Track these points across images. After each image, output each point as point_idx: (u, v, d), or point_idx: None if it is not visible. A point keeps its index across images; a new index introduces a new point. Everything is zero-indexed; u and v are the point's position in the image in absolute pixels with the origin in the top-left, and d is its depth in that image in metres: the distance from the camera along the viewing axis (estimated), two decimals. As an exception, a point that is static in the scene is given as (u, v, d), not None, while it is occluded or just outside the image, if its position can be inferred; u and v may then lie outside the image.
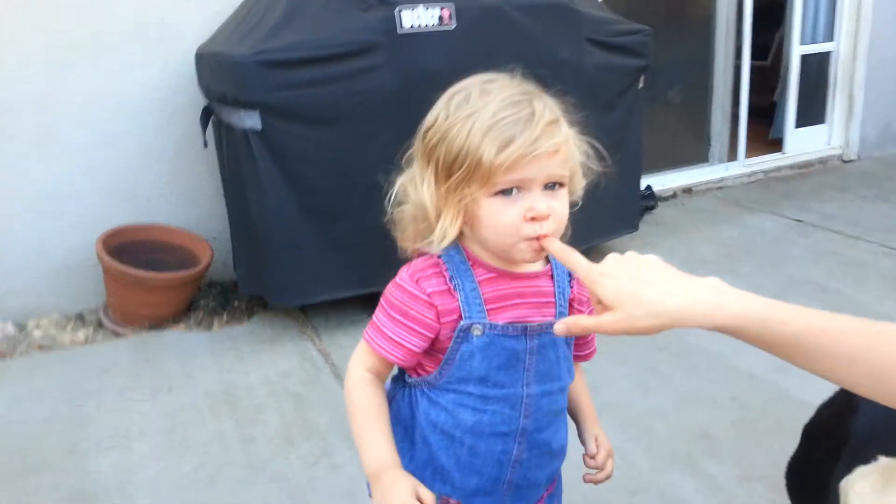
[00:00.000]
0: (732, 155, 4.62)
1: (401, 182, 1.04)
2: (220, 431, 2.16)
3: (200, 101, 2.85)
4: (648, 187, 4.07)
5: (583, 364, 1.22)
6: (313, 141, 2.54)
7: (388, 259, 3.05)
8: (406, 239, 1.07)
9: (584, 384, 1.22)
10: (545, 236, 0.96)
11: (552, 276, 1.07)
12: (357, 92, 2.50)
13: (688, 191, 4.42)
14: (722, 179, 4.53)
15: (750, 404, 2.20)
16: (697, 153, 4.64)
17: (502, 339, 1.03)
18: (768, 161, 4.74)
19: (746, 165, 4.65)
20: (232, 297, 3.03)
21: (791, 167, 4.77)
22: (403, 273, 1.04)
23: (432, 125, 0.98)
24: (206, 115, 2.78)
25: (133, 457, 2.06)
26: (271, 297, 2.73)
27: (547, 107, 0.95)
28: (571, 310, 1.10)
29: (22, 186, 2.89)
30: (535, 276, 1.06)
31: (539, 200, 0.94)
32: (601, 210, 3.13)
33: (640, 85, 3.20)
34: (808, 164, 4.82)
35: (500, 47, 2.65)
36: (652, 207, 4.06)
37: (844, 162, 4.93)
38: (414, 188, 1.00)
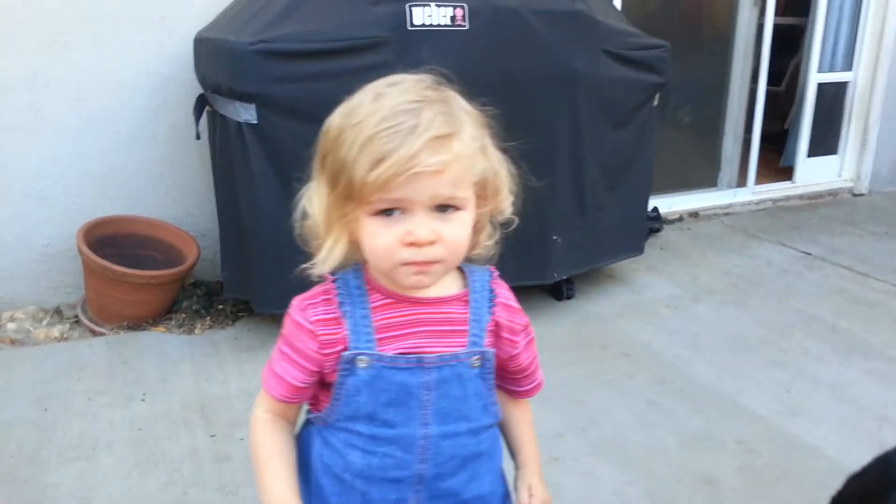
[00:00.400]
0: (742, 181, 4.51)
1: (305, 192, 0.94)
2: (193, 447, 2.02)
3: (196, 90, 2.71)
4: (655, 209, 3.96)
5: (529, 399, 1.11)
6: (311, 139, 2.40)
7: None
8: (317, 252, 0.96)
9: (527, 422, 1.12)
10: (427, 263, 0.87)
11: (468, 301, 0.97)
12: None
13: (694, 215, 4.31)
14: (730, 206, 4.42)
15: (757, 449, 2.08)
16: (706, 177, 4.53)
17: (390, 372, 0.93)
18: (778, 190, 4.64)
19: (756, 193, 4.54)
20: (216, 300, 2.89)
21: (801, 197, 4.66)
22: (295, 301, 0.97)
23: (327, 130, 0.89)
24: (201, 104, 2.65)
25: (97, 470, 1.92)
26: (257, 303, 2.59)
27: (440, 117, 0.84)
28: (493, 339, 0.99)
29: (5, 167, 2.75)
30: (441, 301, 0.96)
31: (419, 224, 0.85)
32: (605, 231, 3.01)
33: (655, 102, 3.08)
34: (818, 196, 4.71)
35: (513, 52, 2.53)
36: (657, 230, 3.95)
37: (855, 195, 4.83)
38: (310, 199, 0.92)
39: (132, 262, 2.65)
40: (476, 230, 0.94)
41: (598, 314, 2.97)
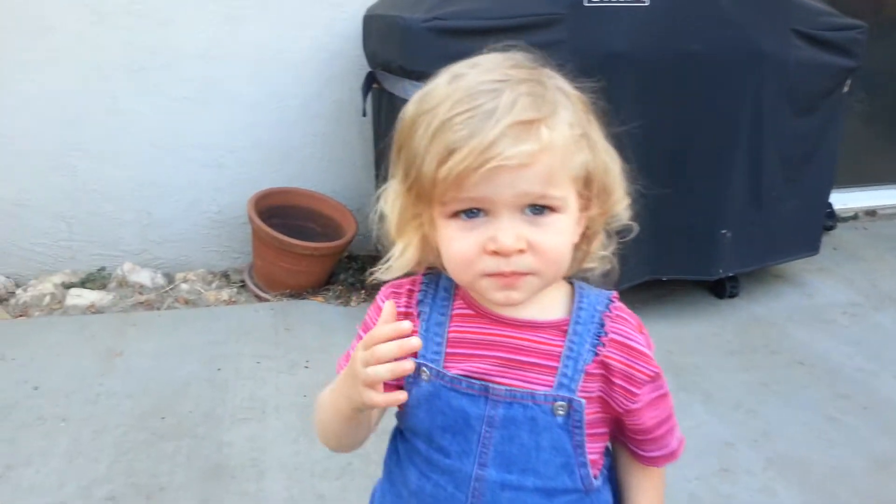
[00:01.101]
0: (929, 178, 4.07)
1: (384, 188, 0.81)
2: (354, 418, 2.06)
3: (361, 67, 2.75)
4: (829, 205, 3.64)
5: (658, 468, 0.89)
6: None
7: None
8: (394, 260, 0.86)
9: (654, 498, 0.90)
10: (516, 275, 0.73)
11: (567, 331, 0.80)
12: (532, 70, 2.30)
13: (871, 213, 3.93)
14: (913, 204, 4.00)
15: (960, 480, 1.86)
16: (887, 171, 4.12)
17: (449, 394, 0.80)
18: (971, 188, 4.14)
19: (945, 191, 4.08)
20: (370, 274, 2.94)
21: None
22: (385, 285, 0.88)
23: (402, 119, 0.76)
24: (369, 82, 2.67)
25: (266, 433, 2.00)
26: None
27: (527, 98, 0.69)
28: (602, 385, 0.80)
29: (183, 137, 2.91)
30: (532, 325, 0.80)
31: (504, 229, 0.71)
32: (779, 227, 2.79)
33: (845, 89, 2.80)
34: None
35: (695, 31, 2.36)
36: (830, 228, 3.63)
37: None
38: (386, 200, 0.81)
39: (294, 233, 2.74)
40: (587, 238, 0.81)
41: (765, 317, 2.76)
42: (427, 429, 0.82)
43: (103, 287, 2.86)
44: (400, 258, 0.81)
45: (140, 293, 2.82)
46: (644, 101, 2.36)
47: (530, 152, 0.68)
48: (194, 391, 2.19)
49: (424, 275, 0.85)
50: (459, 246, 0.73)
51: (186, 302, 2.78)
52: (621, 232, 0.85)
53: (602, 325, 0.81)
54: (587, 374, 0.79)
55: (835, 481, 1.85)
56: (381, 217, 0.82)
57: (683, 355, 2.45)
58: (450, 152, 0.68)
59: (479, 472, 0.80)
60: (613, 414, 0.82)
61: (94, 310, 2.71)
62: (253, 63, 2.88)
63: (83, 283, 2.86)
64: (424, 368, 0.81)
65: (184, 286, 2.86)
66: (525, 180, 0.69)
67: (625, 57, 2.29)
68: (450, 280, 0.83)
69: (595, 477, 0.83)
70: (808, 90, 2.66)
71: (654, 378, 0.82)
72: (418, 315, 0.83)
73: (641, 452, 0.87)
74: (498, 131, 0.67)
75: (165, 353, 2.40)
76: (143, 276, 2.89)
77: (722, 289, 2.86)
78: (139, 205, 2.94)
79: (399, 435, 0.89)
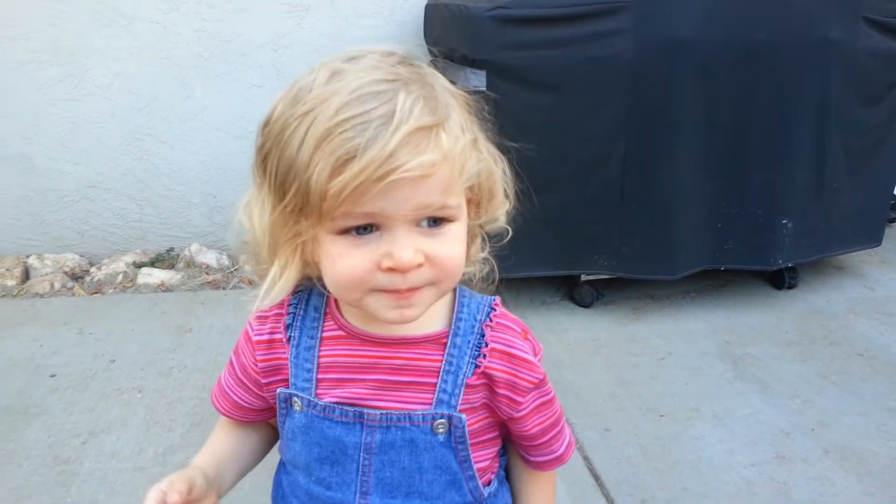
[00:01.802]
0: None
1: (245, 199, 0.73)
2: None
3: (422, 56, 2.79)
4: (893, 197, 3.55)
5: (548, 473, 0.86)
6: (532, 106, 2.40)
7: (590, 242, 2.89)
8: (262, 277, 0.76)
9: (544, 499, 0.88)
10: (412, 290, 0.66)
11: (447, 344, 0.75)
12: (591, 58, 2.31)
13: (937, 205, 3.82)
14: (983, 196, 3.87)
15: None
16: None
17: (323, 424, 0.75)
18: None
19: None
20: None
21: None
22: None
23: (268, 121, 0.68)
24: (429, 70, 2.72)
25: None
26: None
27: (421, 102, 0.63)
28: (486, 395, 0.76)
29: (249, 123, 3.01)
30: (407, 342, 0.74)
31: (402, 245, 0.64)
32: (841, 218, 2.75)
33: (916, 78, 2.74)
34: None
35: (763, 19, 2.35)
36: (893, 220, 3.55)
37: None
38: (249, 212, 0.72)
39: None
40: (469, 242, 0.74)
41: (825, 308, 2.74)
42: (305, 461, 0.78)
43: (172, 267, 2.99)
44: (279, 283, 0.71)
45: (207, 273, 2.94)
46: (708, 90, 2.36)
47: (431, 162, 0.62)
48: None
49: (293, 294, 0.77)
50: (348, 263, 0.65)
51: (250, 282, 2.89)
52: (495, 236, 0.79)
53: (483, 336, 0.76)
54: (468, 386, 0.75)
55: (893, 472, 1.85)
56: (241, 230, 0.73)
57: (740, 346, 2.45)
58: (342, 163, 0.60)
59: (362, 501, 0.76)
60: (500, 420, 0.80)
61: (164, 288, 2.84)
62: (316, 51, 2.96)
63: (153, 263, 3.00)
64: (296, 399, 0.76)
65: (247, 267, 2.97)
66: (424, 192, 0.63)
67: (688, 45, 2.29)
68: (320, 299, 0.77)
69: (488, 483, 0.81)
70: (877, 80, 2.62)
71: (539, 385, 0.79)
72: (287, 340, 0.77)
73: (528, 457, 0.85)
74: (398, 140, 0.60)
75: (233, 330, 2.51)
76: (209, 257, 3.01)
77: (781, 280, 2.83)
78: (206, 188, 3.05)
79: (282, 467, 0.85)
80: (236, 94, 2.95)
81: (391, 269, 0.65)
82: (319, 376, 0.75)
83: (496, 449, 0.83)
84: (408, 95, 0.62)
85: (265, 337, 0.78)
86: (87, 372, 2.24)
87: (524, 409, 0.78)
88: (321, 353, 0.76)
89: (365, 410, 0.74)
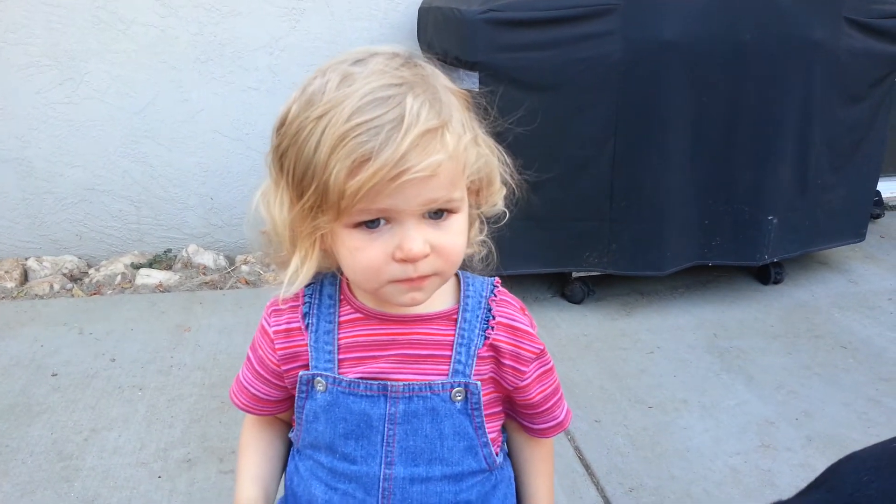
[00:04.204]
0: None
1: (261, 191, 0.79)
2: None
3: (422, 56, 2.84)
4: (877, 193, 3.62)
5: (549, 439, 0.93)
6: (524, 107, 2.45)
7: (581, 240, 2.94)
8: (279, 264, 0.82)
9: (544, 468, 0.94)
10: (421, 279, 0.73)
11: (456, 320, 0.82)
12: (581, 59, 2.37)
13: (921, 201, 3.91)
14: (965, 192, 3.95)
15: None
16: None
17: (349, 399, 0.80)
18: None
19: None
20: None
21: None
22: (270, 301, 0.85)
23: (283, 122, 0.73)
24: (422, 72, 2.77)
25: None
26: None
27: (427, 105, 0.68)
28: (493, 367, 0.83)
29: (245, 125, 3.05)
30: (422, 319, 0.81)
31: (411, 237, 0.70)
32: (825, 214, 2.82)
33: (896, 77, 2.81)
34: None
35: (748, 21, 2.40)
36: (877, 216, 3.63)
37: None
38: (267, 205, 0.77)
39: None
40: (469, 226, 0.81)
41: (809, 302, 2.80)
42: (329, 440, 0.82)
43: (169, 268, 3.03)
44: (302, 273, 0.77)
45: (204, 273, 2.98)
46: (694, 90, 2.42)
47: (439, 163, 0.68)
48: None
49: (307, 286, 0.82)
50: (366, 255, 0.72)
51: (247, 283, 2.93)
52: (492, 218, 0.85)
53: (489, 310, 0.83)
54: (479, 357, 0.81)
55: (875, 460, 1.91)
56: (258, 220, 0.79)
57: (727, 339, 2.51)
58: (358, 165, 0.66)
59: (387, 472, 0.81)
60: (504, 392, 0.86)
61: (162, 289, 2.88)
62: (311, 54, 3.00)
63: (150, 264, 3.04)
64: (320, 378, 0.81)
65: (244, 268, 3.02)
66: (431, 188, 0.69)
67: (676, 46, 2.34)
68: (332, 287, 0.83)
69: (496, 454, 0.86)
70: (858, 78, 2.68)
71: (540, 354, 0.85)
72: (305, 328, 0.82)
73: (531, 425, 0.90)
74: (408, 143, 0.66)
75: (231, 328, 2.55)
76: (207, 258, 3.05)
77: (767, 275, 2.90)
78: (203, 190, 3.10)
79: (297, 455, 0.89)
80: (233, 96, 2.99)
81: (402, 260, 0.71)
82: (340, 356, 0.81)
83: (500, 423, 0.89)
84: (415, 99, 0.68)
85: (283, 327, 0.83)
86: (88, 371, 2.28)
87: (528, 377, 0.85)
88: (340, 336, 0.81)
89: (388, 383, 0.80)
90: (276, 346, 0.83)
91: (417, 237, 0.71)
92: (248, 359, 0.88)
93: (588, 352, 2.43)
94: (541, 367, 0.86)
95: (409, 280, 0.73)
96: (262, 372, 0.86)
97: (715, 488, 1.80)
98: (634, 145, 2.45)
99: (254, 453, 0.92)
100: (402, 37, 3.00)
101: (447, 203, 0.72)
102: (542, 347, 0.85)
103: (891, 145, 3.56)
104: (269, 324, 0.84)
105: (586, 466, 1.87)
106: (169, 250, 3.12)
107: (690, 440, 1.98)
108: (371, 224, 0.71)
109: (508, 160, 0.82)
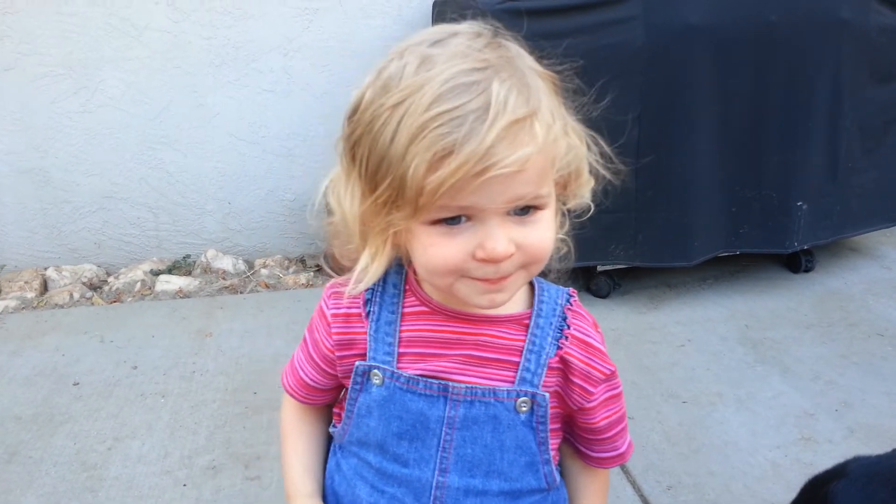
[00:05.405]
0: None
1: (330, 179, 0.73)
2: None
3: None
4: (907, 176, 3.54)
5: (606, 470, 0.85)
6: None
7: (606, 232, 2.88)
8: (342, 258, 0.78)
9: (598, 500, 0.86)
10: (503, 279, 0.67)
11: (528, 325, 0.75)
12: (603, 46, 2.31)
13: (953, 184, 3.80)
14: None
15: None
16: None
17: (406, 396, 0.74)
18: None
19: None
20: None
21: None
22: (330, 282, 0.80)
23: (356, 109, 0.67)
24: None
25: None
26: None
27: (515, 91, 0.61)
28: (560, 381, 0.76)
29: (261, 128, 3.03)
30: (491, 320, 0.75)
31: (495, 236, 0.64)
32: (857, 199, 2.74)
33: (928, 54, 2.72)
34: None
35: (771, 1, 2.33)
36: (909, 199, 3.53)
37: None
38: (337, 195, 0.72)
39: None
40: None
41: (842, 290, 2.72)
42: (380, 438, 0.76)
43: (188, 273, 3.01)
44: (371, 270, 0.73)
45: (224, 278, 2.96)
46: (720, 74, 2.36)
47: (528, 156, 0.61)
48: (282, 366, 2.29)
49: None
50: (442, 253, 0.66)
51: (267, 286, 2.90)
52: (575, 211, 0.78)
53: (564, 319, 0.77)
54: (549, 368, 0.75)
55: (922, 450, 1.84)
56: (330, 211, 0.74)
57: (759, 330, 2.44)
58: (440, 159, 0.60)
59: (441, 480, 0.75)
60: (567, 411, 0.79)
61: (182, 294, 2.86)
62: (324, 54, 2.97)
63: (170, 270, 3.02)
64: (377, 371, 0.75)
65: (263, 271, 2.99)
66: (519, 184, 0.63)
67: (700, 30, 2.28)
68: (398, 275, 0.77)
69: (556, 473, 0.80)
70: (889, 56, 2.60)
71: (610, 377, 0.79)
72: (366, 315, 0.76)
73: (590, 452, 0.83)
74: (494, 134, 0.60)
75: (252, 333, 2.53)
76: (226, 263, 3.03)
77: (797, 263, 2.82)
78: (221, 194, 3.07)
79: (339, 451, 0.83)
80: (248, 99, 2.97)
81: (484, 260, 0.65)
82: (401, 350, 0.75)
83: (559, 441, 0.83)
84: (501, 85, 0.61)
85: (342, 311, 0.78)
86: (110, 379, 2.27)
87: (595, 399, 0.78)
88: (402, 328, 0.76)
89: (450, 384, 0.74)
90: (333, 331, 0.78)
91: (501, 236, 0.64)
92: (304, 340, 0.84)
93: (617, 346, 2.37)
94: (609, 391, 0.80)
95: (488, 280, 0.67)
96: (314, 356, 0.82)
97: (756, 483, 1.73)
98: (659, 133, 2.39)
99: (302, 439, 0.87)
100: (414, 33, 2.96)
101: (535, 200, 0.66)
102: (613, 369, 0.79)
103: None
104: (327, 306, 0.79)
105: (621, 465, 1.81)
106: (188, 256, 3.11)
107: (727, 434, 1.91)
108: (451, 221, 0.65)
109: (605, 146, 0.74)
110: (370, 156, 0.64)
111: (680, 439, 1.89)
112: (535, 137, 0.62)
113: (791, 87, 2.43)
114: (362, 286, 0.74)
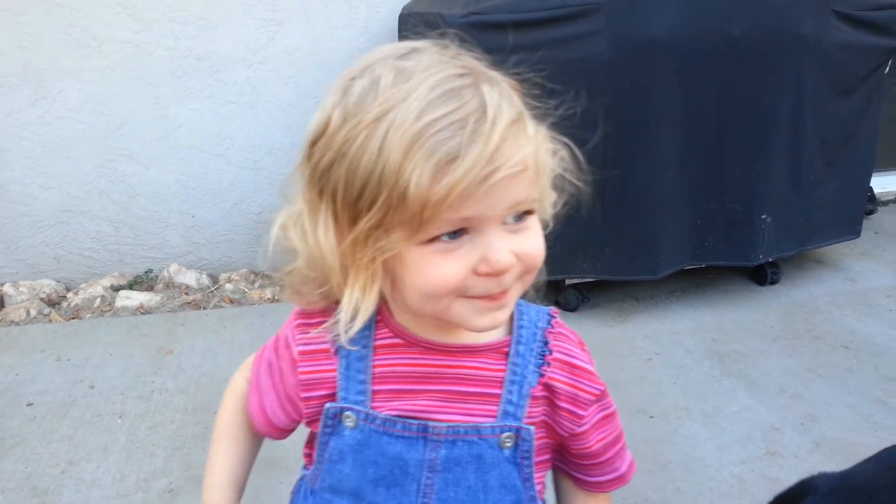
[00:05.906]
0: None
1: (280, 223, 0.67)
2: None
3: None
4: (869, 188, 3.59)
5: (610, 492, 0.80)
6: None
7: (573, 246, 2.86)
8: (310, 305, 0.71)
9: None
10: (503, 293, 0.63)
11: (508, 353, 0.70)
12: (567, 60, 2.31)
13: (914, 196, 3.87)
14: (957, 186, 3.92)
15: None
16: (929, 153, 4.04)
17: (382, 440, 0.68)
18: None
19: None
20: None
21: None
22: (297, 309, 0.74)
23: (322, 133, 0.62)
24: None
25: (317, 424, 2.05)
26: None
27: (502, 95, 0.60)
28: (546, 409, 0.71)
29: (225, 140, 2.97)
30: (472, 350, 0.70)
31: (497, 248, 0.60)
32: (819, 210, 2.77)
33: (886, 69, 2.77)
34: None
35: (735, 15, 2.35)
36: (870, 212, 3.57)
37: None
38: (303, 234, 0.65)
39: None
40: None
41: (807, 302, 2.74)
42: (355, 486, 0.70)
43: (151, 289, 2.94)
44: (364, 305, 0.65)
45: (186, 293, 2.89)
46: (684, 88, 2.37)
47: (528, 155, 0.60)
48: (245, 386, 2.25)
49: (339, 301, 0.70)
50: (440, 272, 0.60)
51: (231, 301, 2.85)
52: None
53: (546, 344, 0.72)
54: (532, 398, 0.70)
55: (886, 464, 1.84)
56: (292, 255, 0.68)
57: (726, 343, 2.44)
58: (444, 165, 0.56)
59: None
60: (557, 439, 0.74)
61: (143, 310, 2.79)
62: (291, 65, 2.94)
63: (131, 286, 2.95)
64: (349, 413, 0.69)
65: (228, 286, 2.93)
66: (518, 187, 0.60)
67: (664, 43, 2.29)
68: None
69: None
70: (849, 72, 2.63)
71: (600, 397, 0.74)
72: (335, 352, 0.70)
73: (587, 478, 0.78)
74: (499, 135, 0.57)
75: (215, 350, 2.47)
76: (189, 277, 2.96)
77: (763, 275, 2.84)
78: (184, 207, 3.01)
79: (311, 496, 0.76)
80: (211, 111, 2.92)
81: (488, 274, 0.61)
82: (375, 387, 0.69)
83: (545, 473, 0.78)
84: (490, 87, 0.59)
85: (311, 347, 0.71)
86: (66, 399, 2.19)
87: (586, 423, 0.73)
88: (375, 363, 0.70)
89: (429, 423, 0.68)
90: (299, 370, 0.71)
91: (502, 247, 0.61)
92: (269, 364, 0.77)
93: (584, 361, 2.36)
94: (601, 411, 0.75)
95: (491, 297, 0.62)
96: (276, 394, 0.77)
97: (722, 500, 1.72)
98: (624, 146, 2.39)
99: (237, 449, 0.83)
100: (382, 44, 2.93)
101: (531, 203, 0.63)
102: (602, 388, 0.74)
103: (884, 141, 3.54)
104: (294, 340, 0.72)
105: (587, 482, 1.79)
106: (150, 270, 3.04)
107: (694, 450, 1.90)
108: (452, 236, 0.60)
109: (579, 154, 0.70)
110: (349, 180, 0.59)
111: (647, 455, 1.88)
112: (530, 137, 0.61)
113: (753, 100, 2.45)
114: (356, 326, 0.66)
